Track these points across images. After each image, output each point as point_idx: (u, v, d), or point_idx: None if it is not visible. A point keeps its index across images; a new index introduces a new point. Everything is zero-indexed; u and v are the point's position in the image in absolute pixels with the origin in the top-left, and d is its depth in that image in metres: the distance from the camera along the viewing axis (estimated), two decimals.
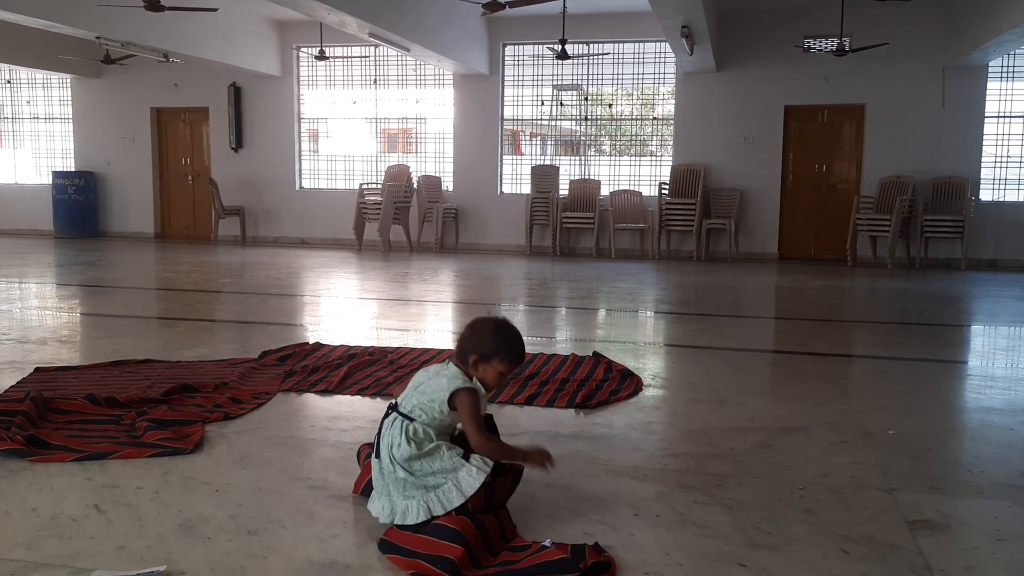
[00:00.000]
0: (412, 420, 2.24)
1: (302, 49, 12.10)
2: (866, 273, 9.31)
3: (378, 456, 2.25)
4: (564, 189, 11.28)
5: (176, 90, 12.48)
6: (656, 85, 11.48)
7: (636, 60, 11.22)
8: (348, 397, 3.58)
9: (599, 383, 3.79)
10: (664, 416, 3.49)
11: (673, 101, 11.15)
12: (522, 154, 12.35)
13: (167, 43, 9.70)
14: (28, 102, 13.44)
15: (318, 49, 11.11)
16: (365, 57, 11.99)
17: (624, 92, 11.83)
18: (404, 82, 12.07)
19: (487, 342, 2.27)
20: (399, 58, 11.71)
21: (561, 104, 11.84)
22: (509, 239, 11.46)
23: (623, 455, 2.90)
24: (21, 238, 12.43)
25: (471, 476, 2.15)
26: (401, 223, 11.23)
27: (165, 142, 12.88)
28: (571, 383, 3.77)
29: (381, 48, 11.37)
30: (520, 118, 11.95)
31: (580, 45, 10.84)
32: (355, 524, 2.27)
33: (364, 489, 2.37)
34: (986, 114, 10.13)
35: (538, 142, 12.75)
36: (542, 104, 11.80)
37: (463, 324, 2.42)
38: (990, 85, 10.11)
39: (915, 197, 10.00)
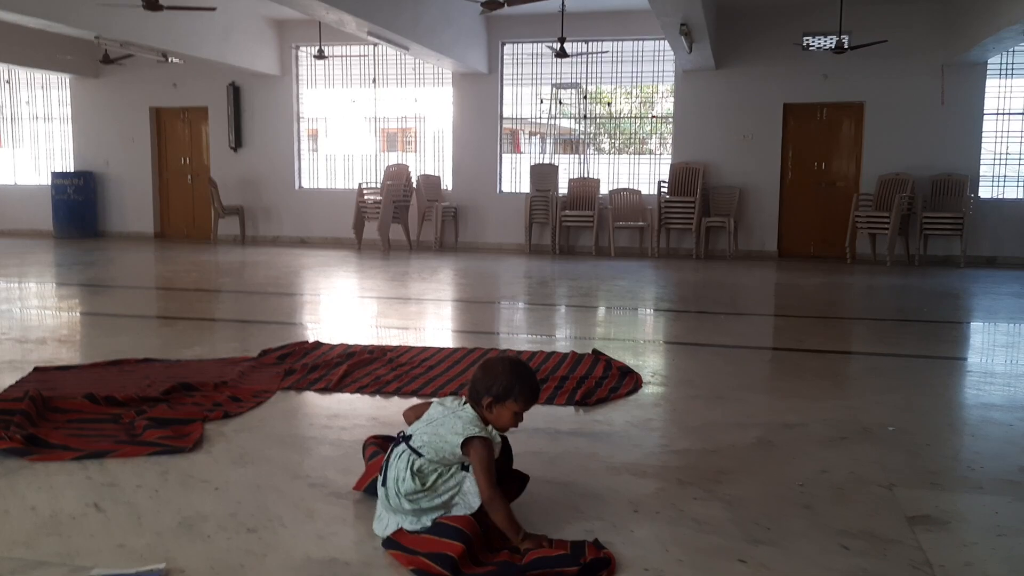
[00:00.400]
0: (420, 456, 2.17)
1: (301, 48, 12.09)
2: (865, 270, 9.31)
3: (384, 484, 2.21)
4: (563, 188, 11.28)
5: (175, 90, 12.46)
6: (655, 83, 11.47)
7: (635, 58, 11.21)
8: (347, 395, 3.58)
9: (598, 380, 3.79)
10: (663, 413, 3.49)
11: (672, 99, 11.15)
12: (521, 152, 12.35)
13: (166, 42, 9.69)
14: (27, 102, 13.43)
15: (317, 48, 11.10)
16: (364, 56, 11.98)
17: (623, 90, 11.82)
18: (403, 81, 12.06)
19: (501, 382, 2.18)
20: (398, 57, 11.70)
21: (560, 102, 11.83)
22: (508, 238, 11.45)
23: (622, 452, 2.90)
24: (20, 238, 12.42)
25: (475, 489, 2.12)
26: (400, 222, 11.23)
27: (164, 142, 12.87)
28: (571, 380, 3.77)
29: (380, 47, 11.37)
30: (519, 117, 11.95)
31: (579, 43, 10.84)
32: (355, 521, 2.28)
33: (368, 488, 2.37)
34: (985, 111, 10.12)
35: (537, 141, 12.75)
36: (541, 103, 11.79)
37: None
38: (989, 82, 10.10)
39: (914, 194, 9.99)
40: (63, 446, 2.77)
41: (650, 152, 11.65)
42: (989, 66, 10.05)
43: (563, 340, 5.16)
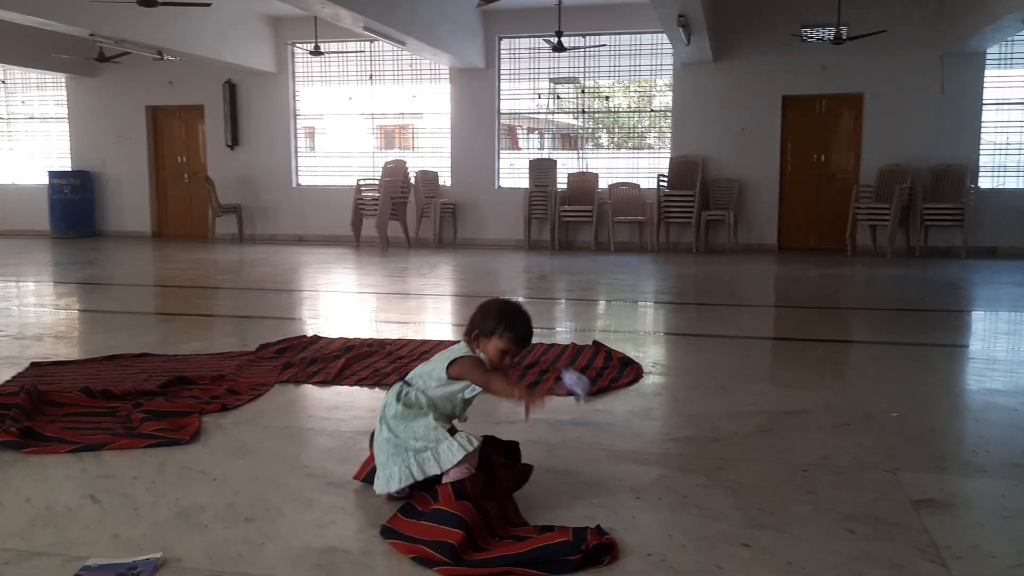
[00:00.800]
0: (409, 385, 2.31)
1: (297, 45, 12.05)
2: (866, 262, 9.29)
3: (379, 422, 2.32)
4: (562, 183, 11.25)
5: (171, 88, 12.42)
6: (653, 77, 11.44)
7: (633, 52, 11.17)
8: (346, 387, 3.56)
9: (599, 371, 3.76)
10: (665, 402, 3.47)
11: (671, 93, 11.11)
12: (519, 148, 12.31)
13: (161, 40, 9.65)
14: (23, 102, 13.39)
15: (313, 45, 11.06)
16: (360, 52, 11.94)
17: (621, 84, 11.79)
18: (400, 77, 12.02)
19: (490, 319, 2.31)
20: (395, 53, 11.66)
21: (558, 97, 11.80)
22: (507, 233, 11.42)
23: (624, 440, 2.87)
24: (17, 238, 12.38)
25: (451, 451, 2.18)
26: (399, 219, 11.19)
27: (161, 140, 12.83)
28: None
29: (376, 43, 11.33)
30: (517, 112, 11.91)
31: (576, 37, 10.79)
32: (354, 511, 2.25)
33: (367, 476, 2.36)
34: (984, 101, 10.09)
35: (536, 136, 12.71)
36: (539, 98, 11.76)
37: (462, 316, 2.42)
38: (988, 72, 10.07)
39: (914, 186, 9.97)
40: (59, 439, 2.75)
41: (649, 146, 11.62)
42: (988, 56, 10.02)
43: (563, 332, 5.13)
